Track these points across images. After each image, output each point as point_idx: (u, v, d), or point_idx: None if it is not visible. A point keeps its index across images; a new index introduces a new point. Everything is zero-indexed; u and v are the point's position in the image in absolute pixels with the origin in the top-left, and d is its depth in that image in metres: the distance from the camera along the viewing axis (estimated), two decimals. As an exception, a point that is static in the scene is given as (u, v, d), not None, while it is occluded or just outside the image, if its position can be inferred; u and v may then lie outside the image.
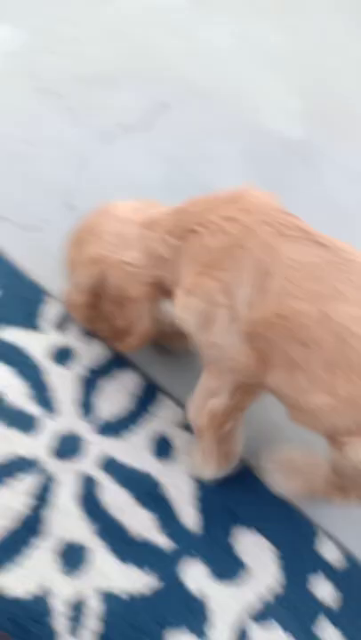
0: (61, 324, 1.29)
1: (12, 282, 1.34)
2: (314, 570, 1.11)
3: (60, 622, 1.01)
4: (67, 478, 1.13)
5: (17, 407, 1.19)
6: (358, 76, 1.95)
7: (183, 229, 1.00)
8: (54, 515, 1.10)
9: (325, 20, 2.10)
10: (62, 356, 1.26)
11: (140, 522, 1.11)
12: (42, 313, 1.30)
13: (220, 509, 1.14)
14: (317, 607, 1.08)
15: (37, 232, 1.42)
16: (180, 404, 1.21)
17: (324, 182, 1.66)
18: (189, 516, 1.13)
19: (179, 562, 1.09)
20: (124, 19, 1.92)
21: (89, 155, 1.59)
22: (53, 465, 1.14)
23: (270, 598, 1.08)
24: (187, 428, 1.19)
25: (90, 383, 1.24)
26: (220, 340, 0.98)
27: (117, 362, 1.27)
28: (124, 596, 1.05)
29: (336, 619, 1.08)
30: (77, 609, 1.03)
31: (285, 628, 1.06)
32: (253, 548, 1.12)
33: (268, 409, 1.14)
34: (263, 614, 1.06)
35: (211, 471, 1.13)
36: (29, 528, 1.08)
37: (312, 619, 1.07)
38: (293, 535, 1.14)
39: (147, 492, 1.14)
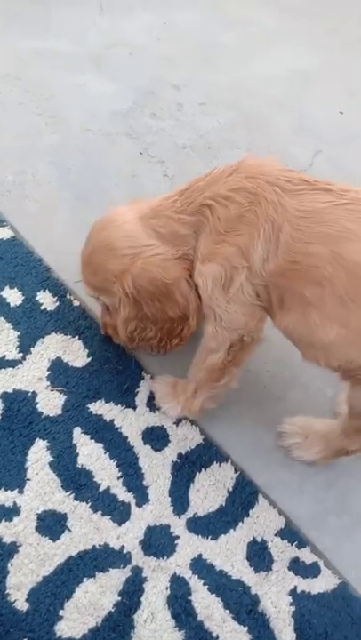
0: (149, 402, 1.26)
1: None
2: None
3: None
4: (157, 577, 1.07)
5: (109, 492, 1.15)
6: None
7: (196, 205, 1.05)
8: (143, 617, 1.04)
9: None
10: (154, 436, 1.22)
11: (231, 637, 1.04)
12: (138, 390, 1.27)
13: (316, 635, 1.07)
14: None
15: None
16: (279, 510, 1.17)
17: None
18: (287, 636, 1.06)
19: None
20: (232, 87, 1.93)
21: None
22: (143, 562, 1.09)
23: None
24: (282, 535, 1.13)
25: (181, 470, 1.19)
26: (233, 299, 1.03)
27: (209, 448, 1.22)
28: None
29: None
30: None
31: None
32: None
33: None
34: None
35: (195, 413, 1.23)
36: (114, 629, 1.02)
37: None
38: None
39: (240, 602, 1.07)
